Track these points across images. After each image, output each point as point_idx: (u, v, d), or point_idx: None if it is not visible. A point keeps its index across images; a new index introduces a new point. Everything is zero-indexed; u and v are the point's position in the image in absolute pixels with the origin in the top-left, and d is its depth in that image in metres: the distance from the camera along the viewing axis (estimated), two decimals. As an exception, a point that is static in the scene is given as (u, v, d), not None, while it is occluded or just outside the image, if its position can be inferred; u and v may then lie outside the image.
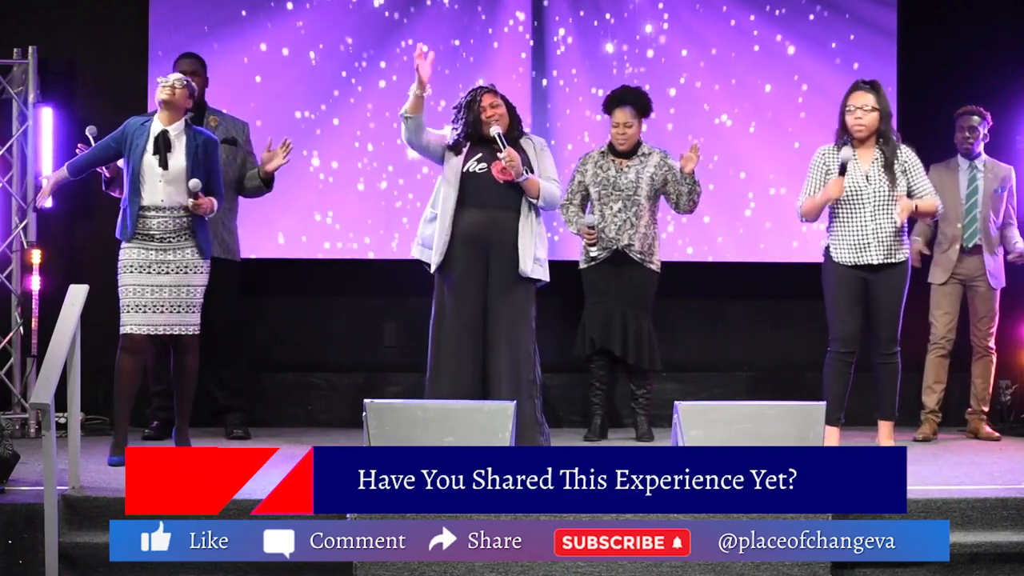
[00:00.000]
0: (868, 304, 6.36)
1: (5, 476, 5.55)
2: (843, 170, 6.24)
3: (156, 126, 6.29)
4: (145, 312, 6.26)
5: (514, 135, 6.48)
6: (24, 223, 7.51)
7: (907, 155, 6.36)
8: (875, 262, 6.25)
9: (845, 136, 6.39)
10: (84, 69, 7.92)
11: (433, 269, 6.40)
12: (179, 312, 6.30)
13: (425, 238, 6.48)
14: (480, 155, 6.39)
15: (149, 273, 6.26)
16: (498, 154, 6.34)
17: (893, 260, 6.28)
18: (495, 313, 6.35)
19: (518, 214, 6.40)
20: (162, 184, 6.24)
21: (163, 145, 6.25)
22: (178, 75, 6.37)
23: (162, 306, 6.27)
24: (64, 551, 5.16)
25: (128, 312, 6.26)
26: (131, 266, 6.26)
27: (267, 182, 7.16)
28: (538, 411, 6.46)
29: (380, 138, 7.98)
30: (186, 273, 6.30)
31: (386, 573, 5.08)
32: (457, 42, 8.00)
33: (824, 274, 6.44)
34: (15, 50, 7.54)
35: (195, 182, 6.20)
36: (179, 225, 6.29)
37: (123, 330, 6.27)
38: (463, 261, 6.34)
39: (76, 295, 5.62)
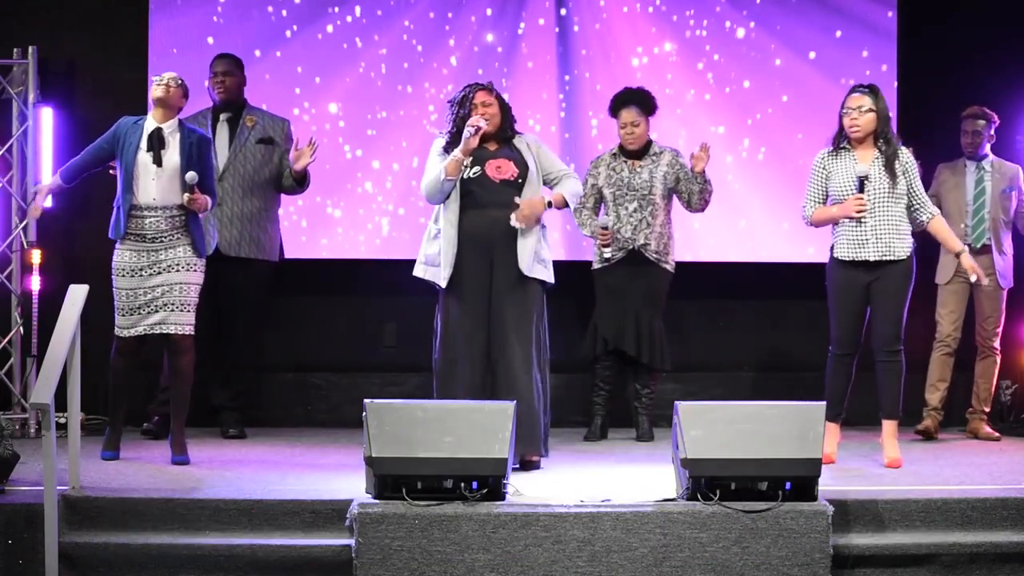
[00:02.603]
0: (870, 303, 6.36)
1: (5, 476, 5.54)
2: (861, 187, 6.25)
3: (150, 124, 6.28)
4: (138, 314, 6.25)
5: (506, 135, 6.35)
6: (24, 223, 7.49)
7: (907, 157, 6.37)
8: (872, 258, 6.25)
9: (842, 138, 6.39)
10: (84, 69, 7.91)
11: (444, 285, 6.20)
12: (170, 310, 6.25)
13: (429, 256, 6.29)
14: (471, 159, 6.21)
15: (141, 276, 6.24)
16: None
17: (892, 257, 6.26)
18: (502, 314, 6.19)
19: None
20: (155, 182, 6.22)
21: (157, 142, 6.23)
22: (173, 74, 6.33)
23: (154, 306, 6.25)
24: (64, 551, 5.16)
25: (121, 315, 6.26)
26: (123, 270, 6.25)
27: (299, 180, 7.17)
28: (542, 413, 6.26)
29: (385, 137, 7.99)
30: (178, 271, 6.26)
31: (386, 573, 5.07)
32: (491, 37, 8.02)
33: (827, 274, 6.43)
34: (15, 50, 7.53)
35: (192, 175, 6.17)
36: (172, 224, 6.26)
37: (116, 332, 6.28)
38: (467, 264, 6.20)
39: (76, 295, 5.62)
